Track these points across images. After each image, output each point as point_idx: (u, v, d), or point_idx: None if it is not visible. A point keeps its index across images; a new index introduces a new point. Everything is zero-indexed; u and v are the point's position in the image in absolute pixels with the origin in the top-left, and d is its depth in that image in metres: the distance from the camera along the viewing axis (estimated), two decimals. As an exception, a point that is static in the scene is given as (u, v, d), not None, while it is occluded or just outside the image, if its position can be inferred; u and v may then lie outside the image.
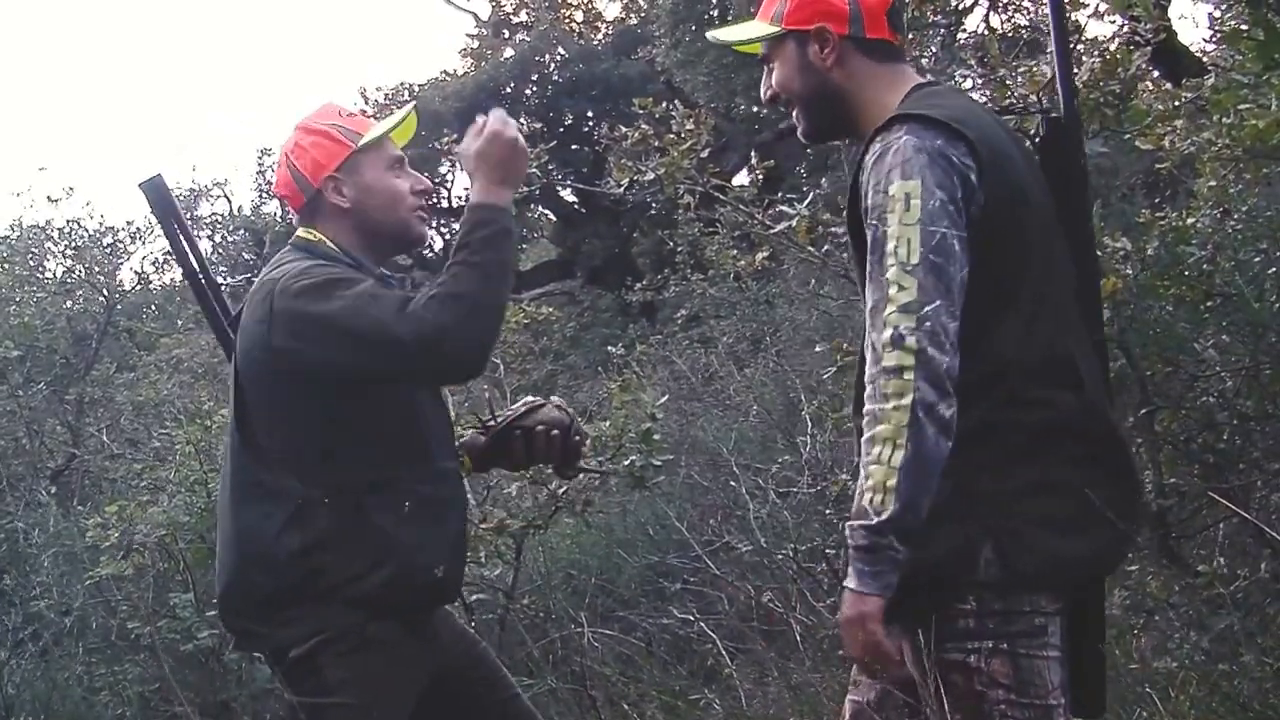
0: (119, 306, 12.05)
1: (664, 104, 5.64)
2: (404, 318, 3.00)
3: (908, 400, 2.48)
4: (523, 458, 3.66)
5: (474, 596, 5.97)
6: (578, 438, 3.64)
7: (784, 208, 5.21)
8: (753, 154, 22.22)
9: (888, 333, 2.52)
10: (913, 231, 2.54)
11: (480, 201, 3.20)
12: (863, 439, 2.57)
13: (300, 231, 3.46)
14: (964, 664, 2.63)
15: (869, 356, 2.58)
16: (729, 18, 19.94)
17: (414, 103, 3.65)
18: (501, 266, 3.16)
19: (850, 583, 2.58)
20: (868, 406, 2.55)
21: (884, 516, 2.50)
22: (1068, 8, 4.16)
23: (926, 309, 2.51)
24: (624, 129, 5.59)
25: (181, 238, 3.71)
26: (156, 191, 3.70)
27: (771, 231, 5.23)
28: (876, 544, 2.52)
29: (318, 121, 3.46)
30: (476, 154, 3.24)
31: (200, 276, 3.71)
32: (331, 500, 3.16)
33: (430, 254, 27.96)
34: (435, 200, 27.35)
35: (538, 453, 3.61)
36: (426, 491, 3.27)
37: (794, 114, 2.98)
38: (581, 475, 3.75)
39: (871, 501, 2.51)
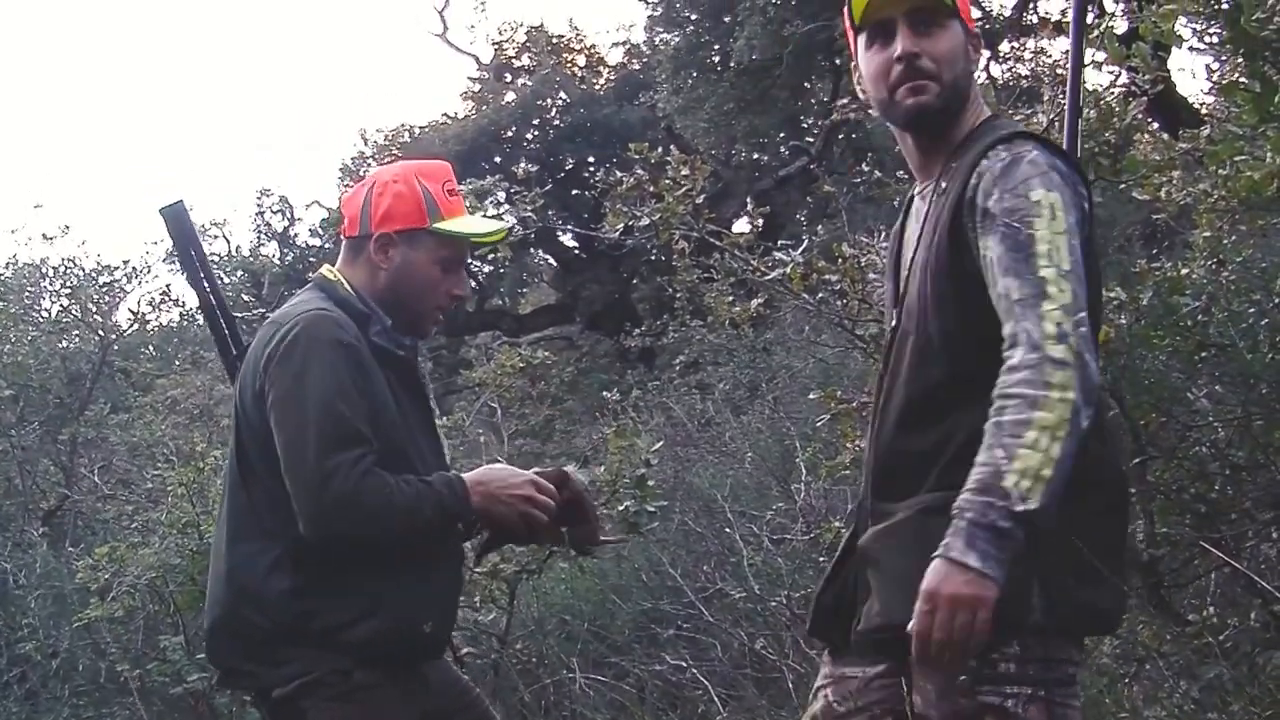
0: (115, 346, 12.00)
1: (659, 149, 5.64)
2: (335, 454, 3.04)
3: (1071, 396, 2.40)
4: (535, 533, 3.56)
5: (465, 650, 5.93)
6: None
7: (779, 254, 5.21)
8: (748, 201, 22.29)
9: (1052, 326, 2.44)
10: (1062, 240, 2.51)
11: (466, 491, 3.22)
12: (1007, 418, 2.41)
13: (325, 269, 3.44)
14: (1000, 708, 2.56)
15: (1023, 342, 2.47)
16: (731, 65, 20.04)
17: (510, 226, 3.63)
18: (424, 527, 3.18)
19: (971, 559, 2.37)
20: (1021, 390, 2.42)
21: (1029, 506, 2.35)
22: (1066, 59, 4.17)
23: (1079, 315, 2.46)
24: (620, 174, 5.59)
25: (199, 266, 3.70)
26: (177, 218, 3.68)
27: (766, 279, 5.23)
28: (1010, 532, 2.37)
29: (420, 178, 3.40)
30: (506, 485, 3.29)
31: (215, 307, 3.70)
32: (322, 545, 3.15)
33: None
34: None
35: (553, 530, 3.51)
36: (424, 546, 3.25)
37: (923, 86, 2.80)
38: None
39: (1018, 485, 2.36)
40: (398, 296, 3.36)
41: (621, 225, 5.47)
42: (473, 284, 27.63)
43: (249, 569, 3.19)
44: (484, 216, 3.89)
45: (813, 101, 21.96)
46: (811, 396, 5.88)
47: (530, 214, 6.24)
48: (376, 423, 3.16)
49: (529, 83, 28.33)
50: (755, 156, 23.48)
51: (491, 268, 25.70)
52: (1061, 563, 2.54)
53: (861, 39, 2.87)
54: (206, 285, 3.70)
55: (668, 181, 5.36)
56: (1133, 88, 4.78)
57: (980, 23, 17.59)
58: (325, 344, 3.15)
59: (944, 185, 2.74)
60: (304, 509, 3.07)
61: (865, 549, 2.72)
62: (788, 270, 5.04)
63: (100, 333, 11.55)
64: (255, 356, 3.23)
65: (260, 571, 3.17)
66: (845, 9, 2.88)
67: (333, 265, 3.45)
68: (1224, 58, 5.67)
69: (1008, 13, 18.63)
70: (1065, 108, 3.21)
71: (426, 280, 3.37)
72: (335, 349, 3.15)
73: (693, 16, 21.74)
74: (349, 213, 3.42)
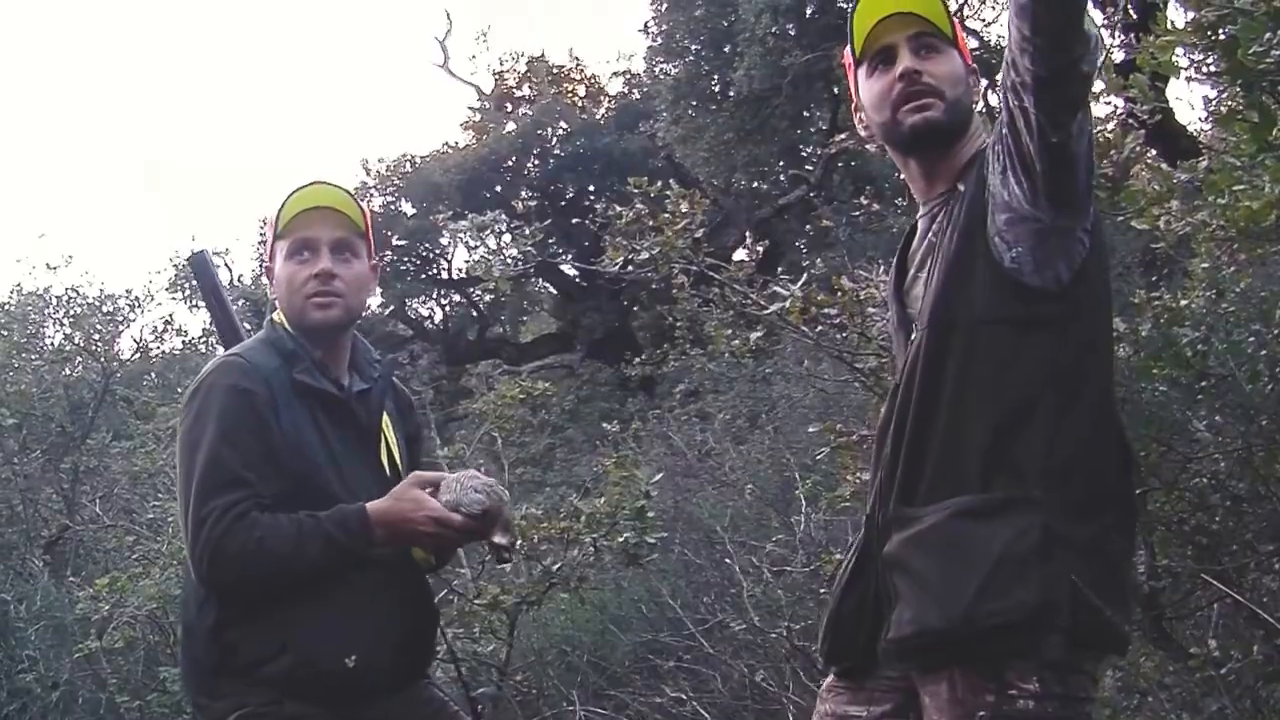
0: (117, 375, 12.01)
1: (659, 183, 5.65)
2: (209, 500, 3.09)
3: None
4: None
5: (479, 690, 5.92)
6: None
7: (778, 288, 5.21)
8: (747, 233, 22.33)
9: None
10: None
11: (365, 523, 3.22)
12: None
13: (275, 312, 3.50)
14: None
15: None
16: (730, 94, 20.10)
17: (339, 186, 3.57)
18: (312, 565, 3.17)
19: None
20: None
21: None
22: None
23: None
24: (619, 208, 5.60)
25: (221, 309, 3.76)
26: (201, 265, 3.83)
27: (765, 312, 5.23)
28: None
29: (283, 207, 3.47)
30: (407, 519, 3.27)
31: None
32: None
33: (430, 325, 28.09)
34: (435, 272, 27.46)
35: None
36: (344, 580, 3.23)
37: (929, 102, 2.82)
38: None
39: None
40: (285, 310, 3.43)
41: (621, 259, 5.48)
42: (474, 313, 27.73)
43: (188, 605, 3.31)
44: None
45: (812, 130, 22.03)
46: (811, 429, 5.88)
47: (530, 249, 6.25)
48: (279, 463, 3.21)
49: (529, 112, 28.45)
50: (755, 185, 23.52)
51: (493, 296, 25.77)
52: (1089, 579, 2.50)
53: (862, 70, 2.90)
54: (228, 326, 3.76)
55: (667, 216, 5.37)
56: (1130, 119, 4.80)
57: (978, 52, 17.70)
58: (221, 390, 3.23)
59: (959, 191, 2.73)
60: (189, 556, 3.17)
61: (892, 556, 2.65)
62: (786, 304, 5.03)
63: (103, 361, 11.57)
64: None
65: (194, 608, 3.26)
66: (847, 43, 2.91)
67: None
68: (1222, 88, 5.68)
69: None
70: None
71: (285, 278, 3.42)
72: (230, 394, 3.22)
73: (693, 47, 21.83)
74: None
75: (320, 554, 3.15)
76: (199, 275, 3.82)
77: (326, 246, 3.42)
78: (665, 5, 22.11)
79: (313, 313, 3.39)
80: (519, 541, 3.59)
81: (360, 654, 3.22)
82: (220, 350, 3.65)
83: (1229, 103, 5.01)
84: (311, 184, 3.48)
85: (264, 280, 23.03)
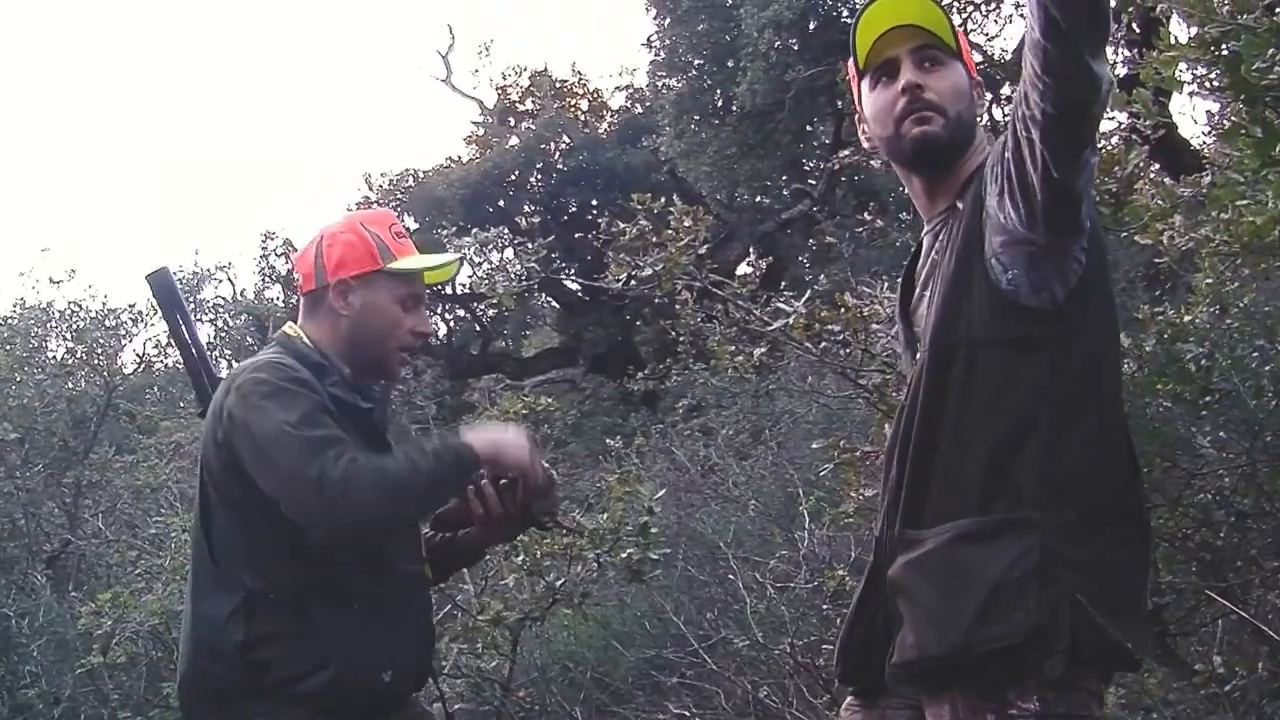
0: (120, 389, 12.00)
1: (661, 198, 5.65)
2: (317, 458, 3.03)
3: None
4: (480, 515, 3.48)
5: (457, 706, 5.90)
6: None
7: (781, 305, 5.21)
8: (750, 248, 22.34)
9: None
10: None
11: (465, 442, 3.24)
12: None
13: (287, 326, 3.47)
14: None
15: None
16: (733, 109, 20.13)
17: (461, 256, 3.61)
18: (438, 487, 3.23)
19: None
20: None
21: None
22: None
23: None
24: (622, 224, 5.59)
25: (184, 329, 3.72)
26: (161, 283, 3.72)
27: (769, 328, 5.22)
28: None
29: (365, 224, 3.46)
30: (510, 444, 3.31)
31: (201, 369, 3.70)
32: (277, 597, 3.14)
33: (434, 339, 28.06)
34: (438, 287, 27.45)
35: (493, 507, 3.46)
36: (378, 595, 3.23)
37: (930, 117, 2.81)
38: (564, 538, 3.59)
39: None
40: (361, 341, 3.37)
41: (624, 275, 5.47)
42: (477, 327, 27.74)
43: (208, 622, 3.21)
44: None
45: (815, 145, 22.07)
46: (815, 445, 5.87)
47: (534, 264, 6.25)
48: None
49: (532, 127, 28.47)
50: (758, 200, 23.55)
51: (495, 311, 25.78)
52: (1096, 594, 2.48)
53: (866, 82, 2.88)
54: (193, 348, 3.72)
55: (670, 232, 5.37)
56: (1133, 134, 4.79)
57: (982, 66, 17.73)
58: (288, 381, 3.18)
59: (959, 209, 2.71)
60: (310, 515, 3.06)
61: (895, 579, 2.64)
62: (790, 320, 5.03)
63: (105, 375, 11.57)
64: (214, 408, 3.25)
65: (218, 625, 3.17)
66: (850, 56, 2.89)
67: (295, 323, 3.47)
68: (1225, 103, 5.68)
69: (1009, 56, 18.69)
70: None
71: (389, 320, 3.39)
72: (297, 384, 3.18)
73: (695, 61, 21.86)
74: (303, 270, 3.45)
75: (431, 471, 3.15)
76: (161, 294, 3.71)
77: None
78: (668, 20, 22.15)
79: (396, 364, 3.47)
80: (559, 512, 3.57)
81: (394, 669, 3.24)
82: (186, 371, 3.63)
83: (1232, 118, 5.00)
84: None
85: (268, 295, 23.05)
